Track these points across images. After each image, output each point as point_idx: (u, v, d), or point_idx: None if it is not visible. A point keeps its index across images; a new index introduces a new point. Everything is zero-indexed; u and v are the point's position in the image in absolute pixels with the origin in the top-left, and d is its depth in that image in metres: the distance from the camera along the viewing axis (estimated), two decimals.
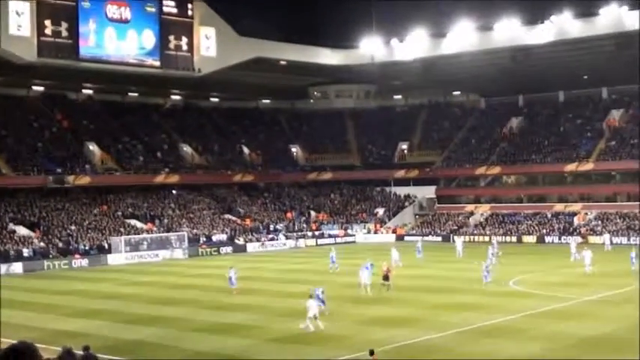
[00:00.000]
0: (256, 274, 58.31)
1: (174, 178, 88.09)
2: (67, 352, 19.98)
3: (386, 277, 43.96)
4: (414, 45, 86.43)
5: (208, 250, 77.78)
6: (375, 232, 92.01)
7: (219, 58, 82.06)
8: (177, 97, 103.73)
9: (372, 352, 22.73)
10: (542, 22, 79.62)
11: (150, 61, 79.11)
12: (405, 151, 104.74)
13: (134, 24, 77.61)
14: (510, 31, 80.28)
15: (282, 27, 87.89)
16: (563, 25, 77.94)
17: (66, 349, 20.05)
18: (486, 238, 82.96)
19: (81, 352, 23.62)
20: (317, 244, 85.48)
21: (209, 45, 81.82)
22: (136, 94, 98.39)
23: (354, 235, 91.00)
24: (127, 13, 76.95)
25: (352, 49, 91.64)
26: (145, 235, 77.16)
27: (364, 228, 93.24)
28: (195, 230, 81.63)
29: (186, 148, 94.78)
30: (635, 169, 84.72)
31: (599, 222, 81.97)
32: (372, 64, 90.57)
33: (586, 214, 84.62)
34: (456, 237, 73.75)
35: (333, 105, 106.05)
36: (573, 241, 65.25)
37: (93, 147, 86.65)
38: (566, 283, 46.00)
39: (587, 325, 32.99)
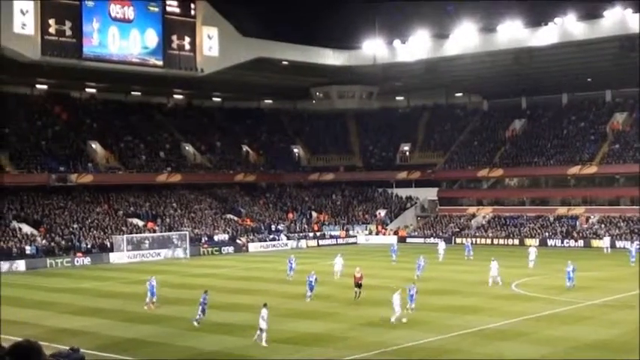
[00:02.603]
0: (258, 274, 58.34)
1: (176, 178, 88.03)
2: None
3: (358, 284, 42.56)
4: (416, 46, 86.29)
5: (210, 249, 77.74)
6: (377, 234, 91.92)
7: (222, 58, 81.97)
8: (180, 97, 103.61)
9: None
10: (546, 24, 79.44)
11: (152, 60, 79.03)
12: (407, 153, 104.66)
13: (137, 23, 77.53)
14: (513, 32, 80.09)
15: (284, 27, 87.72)
16: (567, 27, 77.78)
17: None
18: (488, 241, 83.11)
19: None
20: (318, 245, 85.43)
21: (212, 45, 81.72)
22: (138, 94, 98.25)
23: (355, 237, 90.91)
24: (130, 12, 76.87)
25: (354, 50, 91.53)
26: (146, 234, 77.11)
27: (366, 229, 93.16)
28: (196, 230, 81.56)
29: (189, 148, 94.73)
30: (638, 173, 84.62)
31: (602, 225, 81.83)
32: (375, 66, 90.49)
33: (589, 217, 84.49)
34: (439, 240, 73.50)
35: (335, 106, 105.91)
36: (533, 246, 63.99)
37: (95, 146, 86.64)
38: (574, 286, 45.79)
39: (590, 329, 32.92)
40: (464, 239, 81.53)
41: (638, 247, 64.92)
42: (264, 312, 30.82)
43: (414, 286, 38.14)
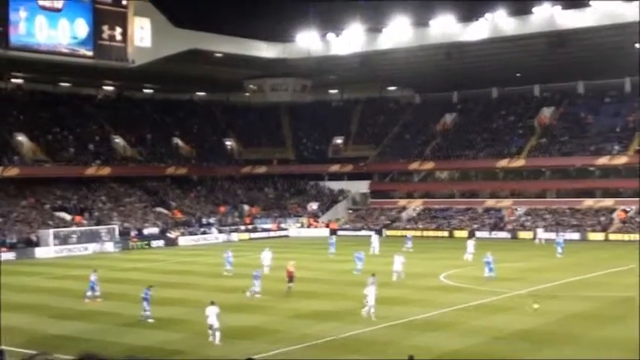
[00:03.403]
0: (189, 268, 57.88)
1: (105, 171, 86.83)
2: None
3: (290, 279, 42.46)
4: (350, 40, 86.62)
5: (139, 243, 76.86)
6: (309, 227, 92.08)
7: (154, 49, 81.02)
8: (110, 88, 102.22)
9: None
10: (477, 20, 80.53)
11: (82, 50, 77.73)
12: (340, 146, 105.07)
13: (66, 13, 76.12)
14: (445, 27, 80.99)
15: (218, 19, 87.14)
16: (498, 23, 78.93)
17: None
18: (418, 233, 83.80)
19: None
20: (250, 238, 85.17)
21: (143, 36, 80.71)
22: (67, 85, 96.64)
23: (287, 230, 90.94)
24: (59, 1, 75.44)
25: (288, 43, 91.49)
26: (74, 228, 75.82)
27: (298, 222, 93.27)
28: (126, 223, 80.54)
29: (119, 140, 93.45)
30: (564, 166, 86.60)
31: (529, 217, 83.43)
32: (308, 58, 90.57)
33: (516, 209, 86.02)
34: (372, 233, 73.80)
35: (269, 98, 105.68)
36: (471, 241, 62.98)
37: (22, 138, 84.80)
38: (495, 277, 46.48)
39: (517, 318, 33.42)
40: (405, 232, 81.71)
41: (563, 238, 66.30)
42: (212, 310, 30.03)
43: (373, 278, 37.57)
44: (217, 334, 29.48)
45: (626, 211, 79.80)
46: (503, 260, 53.63)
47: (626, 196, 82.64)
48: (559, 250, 60.35)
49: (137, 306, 37.68)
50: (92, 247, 72.79)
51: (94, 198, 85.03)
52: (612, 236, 75.79)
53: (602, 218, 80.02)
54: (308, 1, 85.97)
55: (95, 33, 77.74)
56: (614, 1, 72.71)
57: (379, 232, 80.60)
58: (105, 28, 78.52)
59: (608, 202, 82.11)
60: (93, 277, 40.79)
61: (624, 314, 34.06)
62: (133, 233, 78.80)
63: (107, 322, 34.64)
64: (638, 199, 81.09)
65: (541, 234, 74.15)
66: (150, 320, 33.95)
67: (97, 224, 78.24)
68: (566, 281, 45.25)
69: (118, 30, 79.25)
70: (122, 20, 79.53)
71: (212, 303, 30.58)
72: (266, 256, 51.73)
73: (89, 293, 40.43)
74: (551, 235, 72.94)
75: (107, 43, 78.82)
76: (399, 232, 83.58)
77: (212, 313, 29.91)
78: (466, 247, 57.50)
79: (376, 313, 33.56)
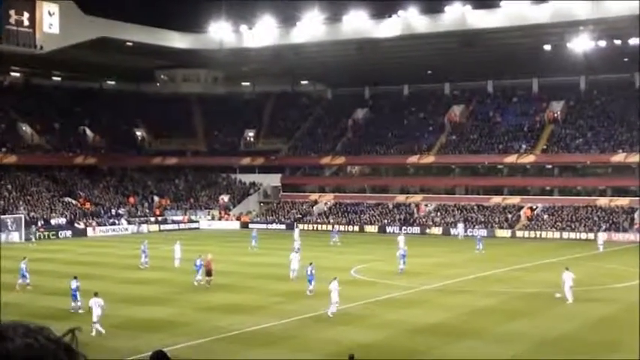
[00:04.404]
0: (97, 259, 56.85)
1: (11, 159, 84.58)
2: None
3: (208, 272, 41.89)
4: (263, 33, 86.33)
5: (46, 233, 75.10)
6: (220, 219, 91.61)
7: (63, 36, 79.10)
8: (18, 75, 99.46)
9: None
10: (390, 17, 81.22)
11: None
12: (252, 139, 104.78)
13: None
14: (358, 23, 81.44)
15: (129, 7, 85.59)
16: (410, 21, 79.76)
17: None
18: (329, 227, 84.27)
19: None
20: (160, 230, 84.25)
21: (52, 22, 78.70)
22: None
23: (197, 222, 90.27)
24: None
25: (201, 34, 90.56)
26: None
27: (208, 214, 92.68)
28: (32, 213, 78.62)
29: (26, 128, 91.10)
30: (473, 164, 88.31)
31: (438, 213, 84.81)
32: (221, 50, 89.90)
33: (423, 205, 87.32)
34: (295, 228, 74.18)
35: (180, 89, 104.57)
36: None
37: None
38: (405, 272, 47.12)
39: (425, 312, 33.97)
40: (330, 226, 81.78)
41: (466, 232, 67.66)
42: (95, 301, 29.41)
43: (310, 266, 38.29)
44: (97, 325, 28.74)
45: (532, 209, 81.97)
46: (417, 255, 54.36)
47: (532, 194, 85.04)
48: (479, 246, 61.41)
49: (46, 298, 37.10)
50: None
51: None
52: (519, 233, 77.76)
53: (510, 215, 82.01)
54: None
55: (1, 18, 75.39)
56: (524, 3, 74.31)
57: (291, 226, 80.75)
58: (12, 12, 76.26)
59: (515, 199, 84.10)
60: (23, 265, 40.49)
61: (528, 309, 34.98)
62: (39, 223, 76.93)
63: (20, 314, 33.63)
64: (544, 197, 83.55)
65: (461, 230, 75.59)
66: (80, 311, 33.24)
67: (3, 213, 76.13)
68: (475, 276, 46.17)
69: (26, 15, 77.05)
70: (30, 5, 77.32)
71: (95, 294, 30.16)
72: (177, 250, 51.34)
73: (20, 281, 40.08)
74: (472, 232, 74.70)
75: (14, 28, 76.54)
76: (310, 226, 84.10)
77: (95, 305, 29.37)
78: (397, 242, 56.40)
79: (335, 310, 32.66)
